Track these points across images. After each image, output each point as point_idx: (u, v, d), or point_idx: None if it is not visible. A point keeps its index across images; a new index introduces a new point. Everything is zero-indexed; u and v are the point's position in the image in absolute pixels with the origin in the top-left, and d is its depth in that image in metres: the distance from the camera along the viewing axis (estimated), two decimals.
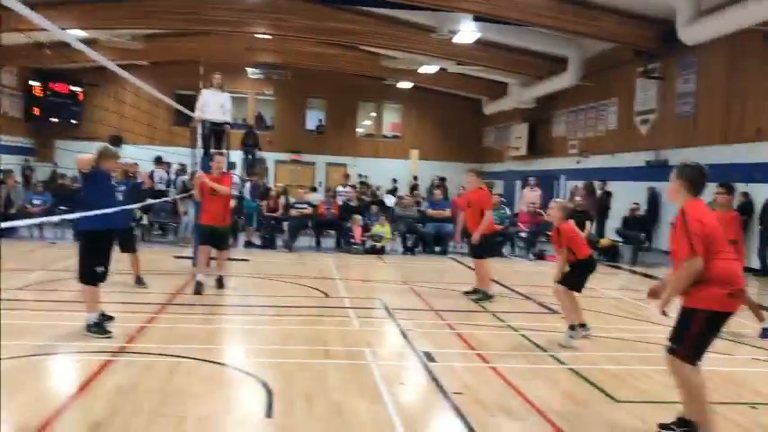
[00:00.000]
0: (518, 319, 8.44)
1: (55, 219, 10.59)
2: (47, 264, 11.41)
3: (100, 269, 6.67)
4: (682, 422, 4.47)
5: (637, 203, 16.34)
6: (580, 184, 18.26)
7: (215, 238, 9.57)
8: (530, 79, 22.93)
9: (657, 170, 16.53)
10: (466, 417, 4.78)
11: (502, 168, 28.18)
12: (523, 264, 14.89)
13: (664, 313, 4.44)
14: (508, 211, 17.14)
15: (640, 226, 16.03)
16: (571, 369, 6.15)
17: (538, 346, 7.02)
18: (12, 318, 7.30)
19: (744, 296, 4.57)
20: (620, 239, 16.19)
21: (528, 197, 18.30)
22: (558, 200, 7.95)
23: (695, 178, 4.50)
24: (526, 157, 25.38)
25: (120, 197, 8.66)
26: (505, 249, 16.23)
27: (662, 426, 4.58)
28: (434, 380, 5.60)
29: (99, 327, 6.61)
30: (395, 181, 26.74)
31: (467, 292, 9.86)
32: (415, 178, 25.81)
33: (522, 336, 7.47)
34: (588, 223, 15.49)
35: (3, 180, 16.26)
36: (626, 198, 17.05)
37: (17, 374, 5.31)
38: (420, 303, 9.30)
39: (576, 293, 7.27)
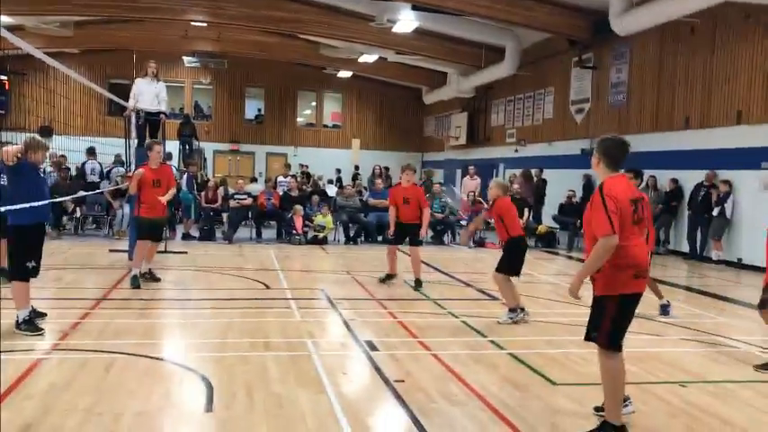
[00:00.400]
0: (459, 305, 8.55)
1: None
2: None
3: (31, 264, 6.39)
4: None
5: (572, 190, 16.74)
6: (518, 171, 18.59)
7: (154, 229, 9.37)
8: (468, 69, 23.14)
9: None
10: (408, 404, 4.81)
11: (442, 157, 28.42)
12: (464, 251, 15.08)
13: (577, 297, 4.43)
14: (449, 200, 17.30)
15: (576, 212, 16.42)
16: (510, 354, 6.27)
17: (478, 331, 7.13)
18: None
19: (648, 276, 4.56)
20: (556, 226, 16.57)
21: (468, 185, 18.52)
22: (497, 179, 8.45)
23: (614, 151, 4.40)
24: (466, 146, 25.65)
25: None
26: (446, 237, 16.39)
27: (597, 408, 4.71)
28: (377, 369, 5.62)
29: (30, 324, 6.37)
30: (339, 171, 26.65)
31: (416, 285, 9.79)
32: (357, 168, 25.78)
33: (463, 322, 7.57)
34: (526, 210, 15.82)
35: None
36: (562, 185, 17.45)
37: None
38: (362, 293, 9.31)
39: (514, 279, 7.46)
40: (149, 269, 9.42)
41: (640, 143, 14.54)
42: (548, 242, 16.03)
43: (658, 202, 14.69)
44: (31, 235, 6.43)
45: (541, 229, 16.05)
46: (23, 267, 6.37)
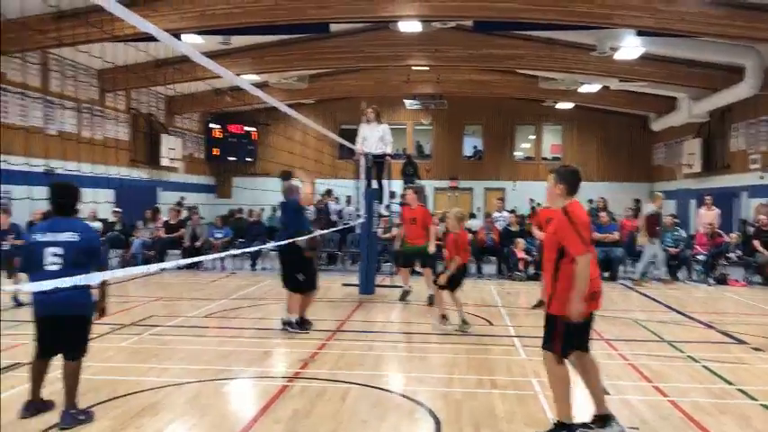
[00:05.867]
0: (698, 348, 7.85)
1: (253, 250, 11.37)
2: (228, 293, 12.26)
3: (300, 276, 8.34)
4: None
5: None
6: (765, 201, 16.72)
7: (414, 256, 11.16)
8: (701, 92, 21.45)
9: None
10: None
11: (674, 187, 26.49)
12: (702, 289, 13.86)
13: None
14: (683, 233, 16.06)
15: None
16: (763, 405, 5.61)
17: (723, 378, 6.48)
18: (196, 344, 7.95)
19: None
20: None
21: (704, 217, 17.03)
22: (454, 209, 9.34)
23: (573, 180, 4.90)
24: (700, 174, 23.70)
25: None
26: (681, 274, 15.19)
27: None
28: None
29: (295, 325, 8.35)
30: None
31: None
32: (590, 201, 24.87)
33: (705, 367, 6.93)
34: None
35: (189, 216, 17.80)
36: None
37: (204, 397, 5.76)
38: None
39: None
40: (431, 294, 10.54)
41: None
42: None
43: None
44: (299, 253, 8.41)
45: None
46: (295, 279, 8.41)
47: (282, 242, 8.23)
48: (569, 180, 4.90)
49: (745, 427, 5.09)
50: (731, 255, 15.07)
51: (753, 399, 5.83)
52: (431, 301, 10.66)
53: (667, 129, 26.21)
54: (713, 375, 6.63)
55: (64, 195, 5.17)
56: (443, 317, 8.88)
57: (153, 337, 8.16)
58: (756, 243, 14.48)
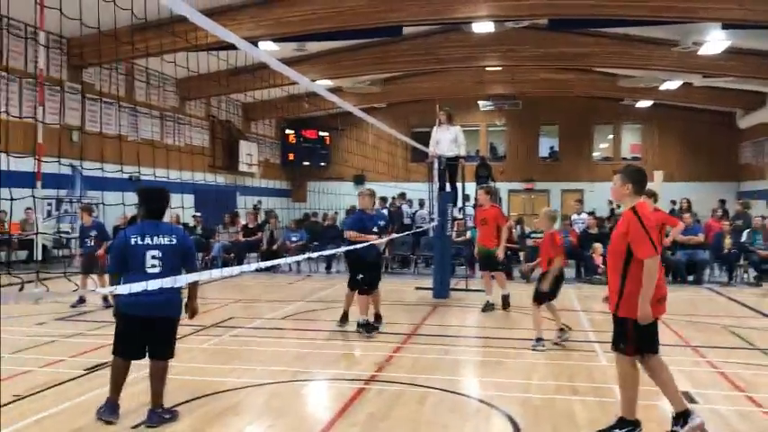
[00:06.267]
0: None
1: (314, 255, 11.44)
2: (304, 295, 12.44)
3: (360, 276, 8.54)
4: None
5: None
6: None
7: (487, 259, 10.64)
8: None
9: None
10: None
11: (764, 186, 25.28)
12: None
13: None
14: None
15: None
16: None
17: None
18: (275, 345, 8.09)
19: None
20: None
21: None
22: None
23: (640, 179, 4.88)
24: None
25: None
26: None
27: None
28: None
29: (366, 326, 8.45)
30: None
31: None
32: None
33: None
34: None
35: (267, 220, 18.16)
36: None
37: (282, 398, 5.84)
38: (674, 338, 8.58)
39: None
40: (506, 295, 10.69)
41: None
42: None
43: None
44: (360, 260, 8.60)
45: None
46: (355, 280, 8.64)
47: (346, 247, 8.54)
48: (636, 179, 4.87)
49: None
50: None
51: None
52: (505, 303, 10.59)
53: (755, 125, 25.02)
54: None
55: (156, 199, 5.31)
56: (562, 329, 8.11)
57: (233, 339, 8.35)
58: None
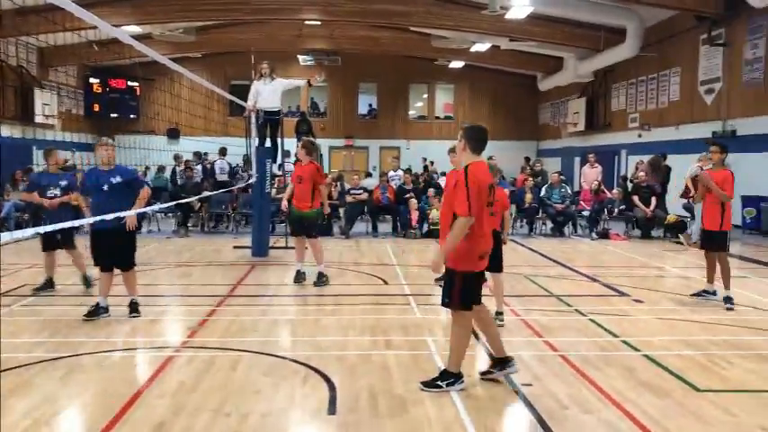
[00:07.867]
0: (585, 302, 8.13)
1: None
2: None
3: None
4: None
5: None
6: (644, 159, 17.59)
7: (299, 222, 9.34)
8: (586, 52, 22.19)
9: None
10: (538, 410, 4.57)
11: (559, 145, 27.49)
12: (586, 243, 14.45)
13: (438, 272, 5.03)
14: (569, 190, 16.65)
15: None
16: (646, 356, 5.85)
17: (608, 331, 6.72)
18: (74, 314, 7.39)
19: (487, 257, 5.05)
20: (687, 215, 15.53)
21: (588, 174, 17.75)
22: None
23: (478, 138, 4.92)
24: (584, 132, 24.67)
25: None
26: (567, 229, 15.78)
27: (482, 373, 5.27)
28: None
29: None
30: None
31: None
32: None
33: (591, 320, 7.17)
34: (654, 199, 14.98)
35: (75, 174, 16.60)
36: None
37: (83, 371, 5.34)
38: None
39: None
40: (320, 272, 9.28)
41: None
42: (678, 232, 15.05)
43: None
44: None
45: (671, 218, 15.08)
46: None
47: None
48: (472, 136, 4.94)
49: (629, 379, 5.27)
50: (613, 210, 15.78)
51: (636, 350, 6.06)
52: (320, 279, 9.23)
53: (554, 88, 27.04)
54: (599, 328, 6.86)
55: None
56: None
57: (24, 308, 7.55)
58: (635, 199, 15.21)
